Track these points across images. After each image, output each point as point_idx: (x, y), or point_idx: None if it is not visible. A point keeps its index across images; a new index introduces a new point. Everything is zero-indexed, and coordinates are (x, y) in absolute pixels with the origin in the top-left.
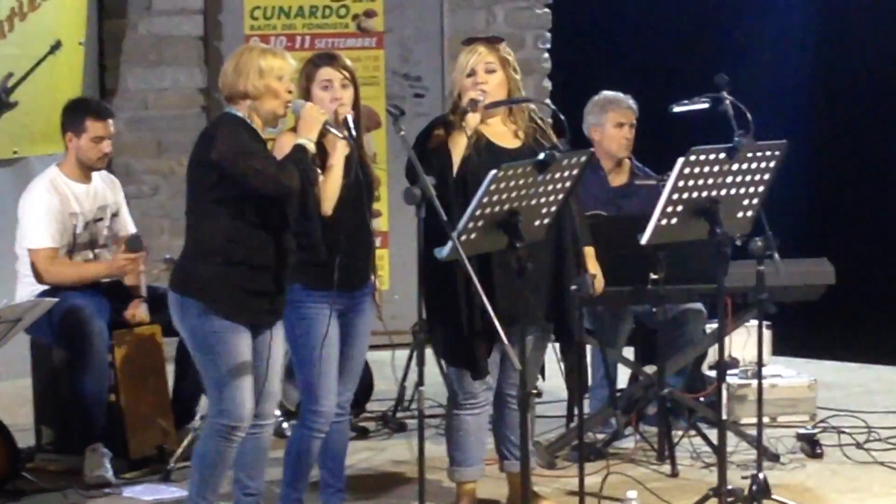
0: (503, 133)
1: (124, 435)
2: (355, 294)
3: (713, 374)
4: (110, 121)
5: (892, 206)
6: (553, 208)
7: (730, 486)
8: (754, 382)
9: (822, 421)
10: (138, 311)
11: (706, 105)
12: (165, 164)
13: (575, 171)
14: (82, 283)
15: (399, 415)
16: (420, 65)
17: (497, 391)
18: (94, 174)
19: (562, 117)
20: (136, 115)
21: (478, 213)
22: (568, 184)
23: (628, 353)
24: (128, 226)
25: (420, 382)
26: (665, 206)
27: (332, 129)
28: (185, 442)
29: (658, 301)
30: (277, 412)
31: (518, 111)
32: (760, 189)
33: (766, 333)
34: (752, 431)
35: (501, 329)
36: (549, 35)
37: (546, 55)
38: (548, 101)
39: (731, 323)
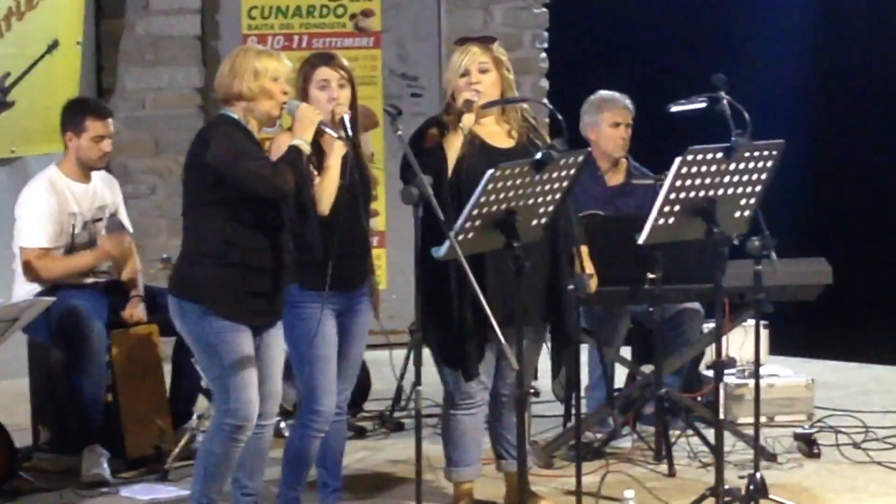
0: (497, 133)
1: (121, 434)
2: (352, 294)
3: (710, 373)
4: (110, 120)
5: (889, 207)
6: (550, 208)
7: (727, 486)
8: (751, 382)
9: (819, 421)
10: (136, 310)
11: (703, 105)
12: (163, 163)
13: (572, 171)
14: (72, 275)
15: (396, 414)
16: (417, 64)
17: (493, 391)
18: (94, 174)
19: (559, 117)
20: (134, 114)
21: (475, 212)
22: (565, 183)
23: (625, 352)
24: (131, 232)
25: (417, 382)
26: (662, 206)
27: (328, 129)
28: (183, 442)
29: (655, 301)
30: (276, 412)
31: (511, 111)
32: (758, 189)
33: (764, 333)
34: (750, 431)
35: (498, 329)
36: (546, 35)
37: (543, 55)
38: (545, 100)
39: (729, 322)
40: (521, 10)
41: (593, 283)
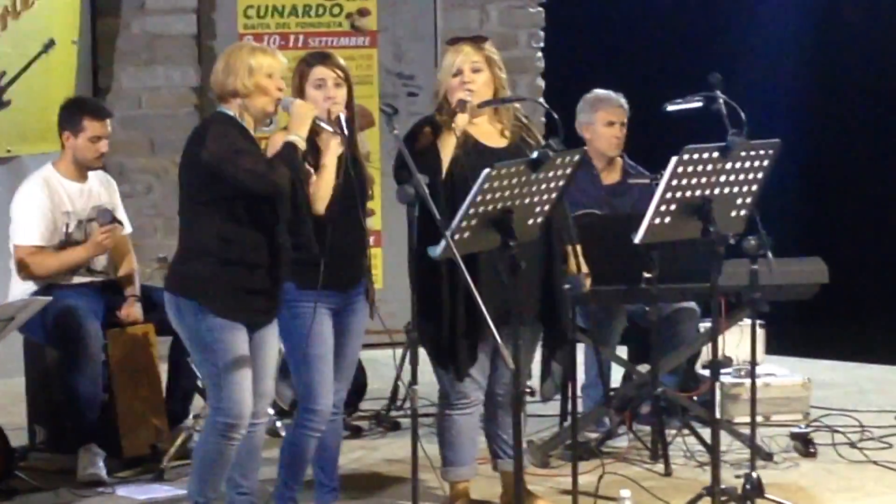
0: (490, 132)
1: (117, 434)
2: (348, 293)
3: (707, 373)
4: (108, 120)
5: (885, 206)
6: (546, 207)
7: (723, 486)
8: (748, 381)
9: (815, 420)
10: (132, 310)
11: (700, 104)
12: (159, 163)
13: (568, 170)
14: (66, 270)
15: (393, 414)
16: (413, 64)
17: (489, 391)
18: (91, 174)
19: (555, 116)
20: (130, 113)
21: (471, 211)
22: (561, 182)
23: (622, 351)
24: (123, 225)
25: (413, 381)
26: (658, 205)
27: (323, 125)
28: (179, 441)
29: (651, 300)
30: (271, 411)
31: (504, 110)
32: (754, 188)
33: (760, 332)
34: (746, 430)
35: (494, 329)
36: (542, 34)
37: (539, 54)
38: (541, 99)
39: (725, 322)
40: (517, 9)
41: (587, 282)
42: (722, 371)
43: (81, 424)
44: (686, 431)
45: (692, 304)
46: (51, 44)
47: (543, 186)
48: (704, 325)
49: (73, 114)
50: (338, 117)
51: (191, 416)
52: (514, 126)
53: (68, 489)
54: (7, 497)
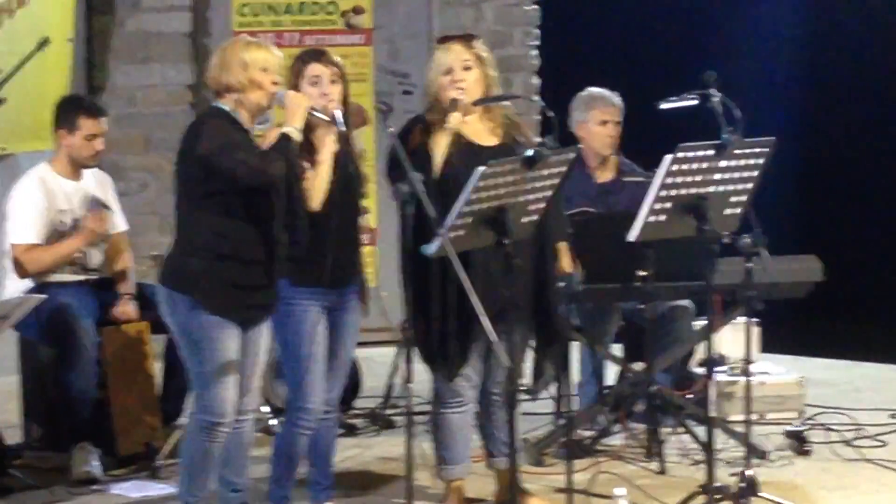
0: (481, 131)
1: (112, 432)
2: (343, 291)
3: (701, 371)
4: (104, 119)
5: (880, 204)
6: (541, 205)
7: (718, 484)
8: (742, 379)
9: (810, 418)
10: (127, 308)
11: (694, 102)
12: (153, 160)
13: (562, 168)
14: (63, 262)
15: (387, 412)
16: (408, 61)
17: (483, 389)
18: (86, 172)
19: (550, 114)
20: (124, 111)
21: (466, 209)
22: (555, 181)
23: (616, 350)
24: (119, 223)
25: (408, 379)
26: (653, 203)
27: (318, 114)
28: (173, 439)
29: (646, 298)
30: (266, 409)
31: (494, 108)
32: (749, 186)
33: (755, 330)
34: (741, 429)
35: (489, 326)
36: (537, 32)
37: (534, 52)
38: (536, 97)
39: (719, 320)
40: (512, 7)
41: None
42: (716, 369)
43: (76, 422)
44: (681, 430)
45: (687, 303)
46: (45, 42)
47: (538, 184)
48: (699, 324)
49: (68, 112)
50: (333, 114)
51: (185, 414)
52: (504, 124)
53: (63, 487)
54: (1, 495)
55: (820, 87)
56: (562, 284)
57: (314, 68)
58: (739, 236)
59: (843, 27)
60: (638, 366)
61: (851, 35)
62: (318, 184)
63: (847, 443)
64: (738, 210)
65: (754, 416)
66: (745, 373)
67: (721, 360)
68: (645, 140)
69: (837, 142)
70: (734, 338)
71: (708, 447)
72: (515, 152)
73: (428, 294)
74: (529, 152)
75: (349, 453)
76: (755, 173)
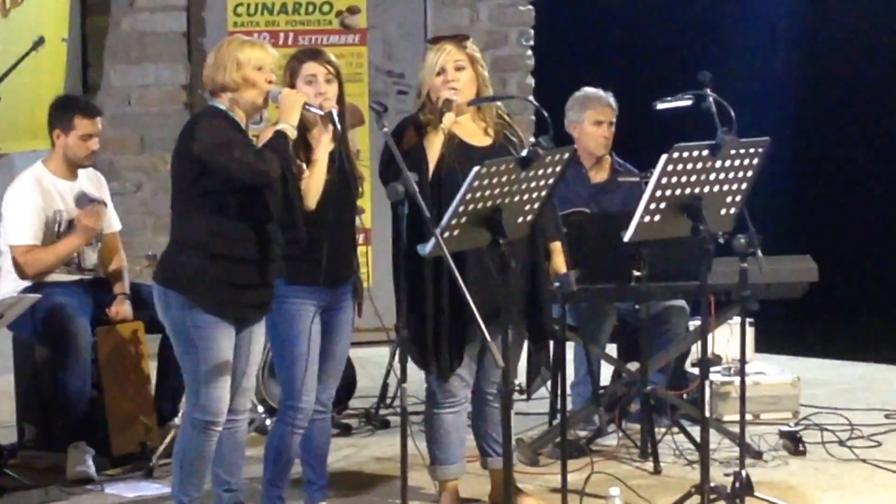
0: (473, 131)
1: (107, 432)
2: (337, 290)
3: (696, 371)
4: (99, 119)
5: (875, 204)
6: (536, 205)
7: (712, 484)
8: (737, 380)
9: (804, 418)
10: (121, 308)
11: (689, 102)
12: (148, 160)
13: (558, 168)
14: (63, 261)
15: (382, 412)
16: (403, 62)
17: (477, 389)
18: (80, 171)
19: (545, 114)
20: (119, 111)
21: (461, 209)
22: (551, 180)
23: (611, 350)
24: (113, 223)
25: (403, 379)
26: (648, 203)
27: (312, 109)
28: (168, 439)
29: (641, 298)
30: (261, 409)
31: (486, 108)
32: (744, 186)
33: (749, 331)
34: (735, 429)
35: (483, 326)
36: (532, 32)
37: (529, 52)
38: (531, 97)
39: (714, 320)
40: (507, 7)
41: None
42: (711, 369)
43: (70, 422)
44: (675, 430)
45: (682, 303)
46: (40, 41)
47: (533, 184)
48: (694, 324)
49: (63, 112)
50: (329, 113)
51: (180, 414)
52: (496, 124)
53: (57, 487)
54: None
55: (815, 88)
56: (556, 284)
57: (310, 67)
58: (734, 236)
59: (838, 28)
60: (633, 366)
61: (846, 36)
62: (313, 183)
63: (841, 443)
64: (733, 210)
65: (749, 417)
66: (740, 373)
67: (716, 361)
68: (640, 140)
69: (832, 142)
70: (729, 338)
71: (702, 447)
72: (508, 152)
73: (422, 294)
74: (525, 152)
75: (344, 453)
76: (750, 173)
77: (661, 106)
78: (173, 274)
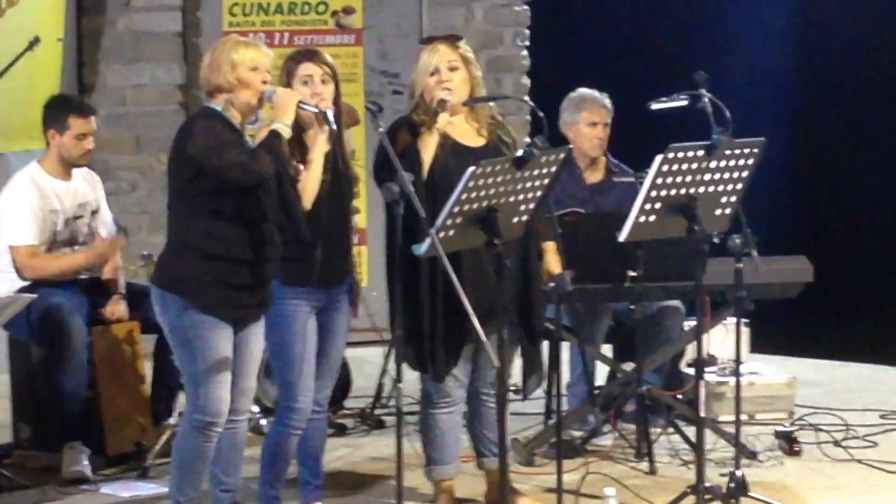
0: (467, 131)
1: (102, 432)
2: (333, 291)
3: (691, 371)
4: (93, 118)
5: (870, 205)
6: (531, 205)
7: (708, 484)
8: (732, 380)
9: (800, 419)
10: (117, 307)
11: (685, 102)
12: (144, 160)
13: (553, 168)
14: (64, 275)
15: (377, 412)
16: (398, 62)
17: (472, 389)
18: (75, 171)
19: (540, 114)
20: (115, 111)
21: (456, 209)
22: (546, 181)
23: (606, 350)
24: (107, 223)
25: (398, 379)
26: (643, 204)
27: (307, 107)
28: (163, 439)
29: (636, 298)
30: (256, 409)
31: (479, 109)
32: (739, 186)
33: (745, 331)
34: (731, 429)
35: (479, 327)
36: (527, 32)
37: (525, 52)
38: (526, 98)
39: (710, 320)
40: (502, 7)
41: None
42: (707, 370)
43: (66, 422)
44: (671, 430)
45: (677, 303)
46: (36, 41)
47: (528, 185)
48: (689, 324)
49: (57, 112)
50: (325, 113)
51: (175, 414)
52: (489, 125)
53: (53, 486)
54: None
55: (810, 88)
56: (552, 285)
57: (306, 68)
58: (729, 237)
59: (834, 28)
60: (628, 366)
61: (841, 35)
62: (309, 183)
63: (837, 443)
64: (729, 210)
65: (744, 417)
66: (735, 373)
67: (711, 361)
68: (635, 140)
69: (828, 142)
70: (724, 338)
71: (698, 447)
72: (502, 153)
73: (417, 294)
74: (520, 152)
75: (339, 453)
76: (745, 174)
77: (656, 106)
78: (170, 276)
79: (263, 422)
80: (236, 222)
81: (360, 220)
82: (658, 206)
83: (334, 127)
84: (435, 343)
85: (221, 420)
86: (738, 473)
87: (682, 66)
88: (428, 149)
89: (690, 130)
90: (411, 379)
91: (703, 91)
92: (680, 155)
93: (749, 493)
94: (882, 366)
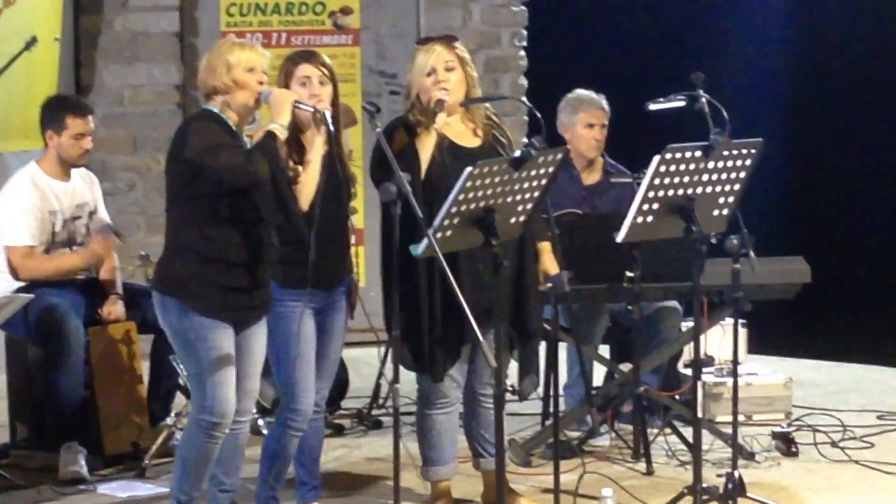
0: (463, 132)
1: (99, 432)
2: (331, 291)
3: (689, 372)
4: (90, 118)
5: (867, 205)
6: (529, 206)
7: (705, 485)
8: (730, 380)
9: (797, 419)
10: (114, 308)
11: (682, 103)
12: (141, 160)
13: (550, 169)
14: (59, 275)
15: (374, 412)
16: (396, 62)
17: (469, 389)
18: (74, 172)
19: (538, 115)
20: (112, 111)
21: (453, 210)
22: (543, 181)
23: (604, 350)
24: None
25: (395, 380)
26: (641, 204)
27: (303, 106)
28: (160, 439)
29: (634, 299)
30: (253, 409)
31: (475, 109)
32: (736, 187)
33: (742, 331)
34: (728, 429)
35: (475, 327)
36: (525, 32)
37: (522, 53)
38: (524, 98)
39: (707, 321)
40: (499, 7)
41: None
42: (704, 370)
43: (63, 422)
44: (668, 430)
45: (674, 304)
46: (33, 41)
47: (525, 185)
48: (686, 325)
49: (55, 112)
50: (323, 115)
51: (172, 414)
52: (485, 125)
53: (50, 487)
54: None
55: (807, 89)
56: (549, 285)
57: (304, 69)
58: (727, 237)
59: (832, 29)
60: (625, 366)
61: (839, 37)
62: (307, 184)
63: (834, 444)
64: (726, 211)
65: (741, 417)
66: (733, 374)
67: (708, 361)
68: (633, 141)
69: (825, 143)
70: (722, 339)
71: (695, 448)
72: (498, 153)
73: (414, 295)
74: (518, 153)
75: (336, 453)
76: (743, 174)
77: (653, 107)
78: (169, 279)
79: (261, 422)
80: (233, 225)
81: (357, 221)
82: (656, 206)
83: (332, 128)
84: (432, 343)
85: (227, 421)
86: (736, 474)
87: (679, 66)
88: (425, 149)
89: (688, 131)
90: (408, 379)
91: (701, 92)
92: (677, 156)
93: (746, 494)
94: (879, 366)
